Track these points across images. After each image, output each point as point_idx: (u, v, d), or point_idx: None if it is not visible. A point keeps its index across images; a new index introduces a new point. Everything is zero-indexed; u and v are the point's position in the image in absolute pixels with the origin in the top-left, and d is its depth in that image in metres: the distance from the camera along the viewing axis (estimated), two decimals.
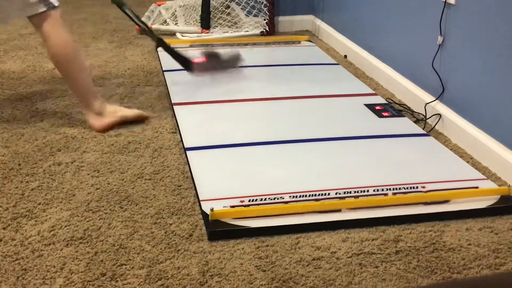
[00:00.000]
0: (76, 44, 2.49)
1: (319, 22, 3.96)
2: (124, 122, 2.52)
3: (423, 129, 2.55)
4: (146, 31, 2.91)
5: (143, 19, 4.01)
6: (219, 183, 2.09)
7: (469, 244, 1.82)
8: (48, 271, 1.68)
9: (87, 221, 1.90)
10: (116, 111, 2.52)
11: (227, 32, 3.83)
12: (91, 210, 1.96)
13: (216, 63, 2.95)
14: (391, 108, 2.72)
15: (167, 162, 2.26)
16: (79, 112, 2.63)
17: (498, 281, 0.97)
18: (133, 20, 2.81)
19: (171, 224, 1.89)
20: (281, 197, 1.99)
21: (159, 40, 2.89)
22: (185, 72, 2.94)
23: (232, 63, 3.01)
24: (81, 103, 2.54)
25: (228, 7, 4.15)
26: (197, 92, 2.85)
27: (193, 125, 2.53)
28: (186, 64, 2.90)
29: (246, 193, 2.00)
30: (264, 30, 3.85)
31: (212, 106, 2.71)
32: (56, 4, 2.36)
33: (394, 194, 2.03)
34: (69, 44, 2.42)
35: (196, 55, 2.97)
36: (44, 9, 2.33)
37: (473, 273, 1.70)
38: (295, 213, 1.92)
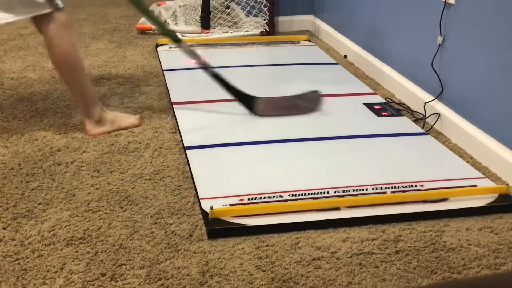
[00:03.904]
0: (78, 50, 2.46)
1: (319, 22, 3.96)
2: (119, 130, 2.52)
3: (422, 128, 2.55)
4: (202, 66, 2.59)
5: (143, 19, 4.02)
6: (219, 182, 2.09)
7: (469, 244, 1.82)
8: (48, 271, 1.68)
9: (87, 221, 1.90)
10: (115, 121, 2.50)
11: (227, 32, 3.83)
12: (91, 210, 1.96)
13: (289, 104, 2.66)
14: (390, 107, 2.72)
15: (167, 162, 2.27)
16: (79, 112, 2.63)
17: (498, 281, 0.97)
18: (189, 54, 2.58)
19: (171, 224, 1.89)
20: (280, 196, 1.99)
21: (215, 75, 2.59)
22: (184, 72, 2.94)
23: (309, 105, 2.67)
24: (80, 109, 2.52)
25: (228, 7, 4.15)
26: (197, 91, 2.85)
27: (193, 124, 2.53)
28: (247, 101, 2.61)
29: (246, 192, 2.01)
30: (264, 30, 3.85)
31: (212, 105, 2.71)
32: (62, 6, 2.33)
33: (393, 192, 2.03)
34: (72, 49, 2.39)
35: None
36: (49, 10, 2.29)
37: (473, 273, 1.70)
38: (294, 212, 1.92)
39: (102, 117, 2.48)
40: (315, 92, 2.71)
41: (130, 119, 2.56)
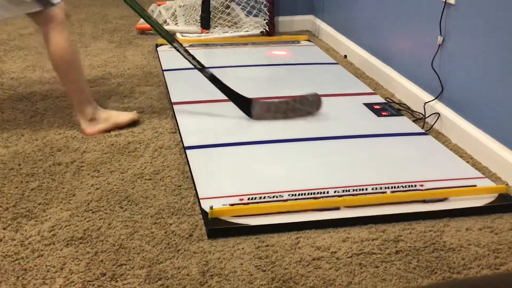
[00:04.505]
0: (76, 48, 2.45)
1: (319, 22, 3.96)
2: (116, 128, 2.52)
3: (422, 128, 2.55)
4: (198, 68, 2.56)
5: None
6: (219, 182, 2.09)
7: (469, 244, 1.82)
8: (48, 271, 1.68)
9: (87, 221, 1.90)
10: (109, 118, 2.50)
11: (227, 32, 3.83)
12: (91, 210, 1.96)
13: (286, 108, 2.59)
14: (390, 107, 2.72)
15: (167, 162, 2.27)
16: (74, 110, 2.63)
17: (498, 281, 0.97)
18: (184, 57, 2.54)
19: (171, 224, 1.89)
20: (280, 195, 1.99)
21: (211, 76, 2.56)
22: (184, 71, 2.94)
23: (308, 108, 2.62)
24: (75, 107, 2.51)
25: (228, 7, 4.15)
26: (197, 91, 2.85)
27: (193, 124, 2.53)
28: (244, 104, 2.58)
29: (246, 191, 2.01)
30: (264, 30, 3.85)
31: (212, 105, 2.71)
32: (56, 1, 2.31)
33: (393, 192, 2.03)
34: (69, 47, 2.38)
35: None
36: (41, 8, 2.29)
37: (473, 273, 1.70)
38: (294, 211, 1.92)
39: (96, 115, 2.47)
40: (314, 94, 2.63)
41: (125, 115, 2.55)
